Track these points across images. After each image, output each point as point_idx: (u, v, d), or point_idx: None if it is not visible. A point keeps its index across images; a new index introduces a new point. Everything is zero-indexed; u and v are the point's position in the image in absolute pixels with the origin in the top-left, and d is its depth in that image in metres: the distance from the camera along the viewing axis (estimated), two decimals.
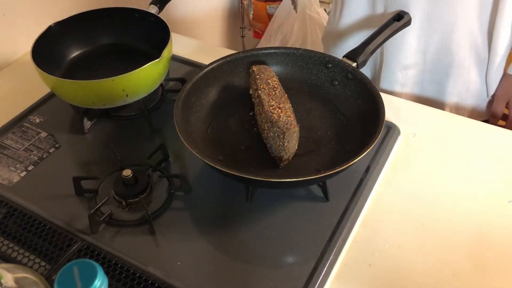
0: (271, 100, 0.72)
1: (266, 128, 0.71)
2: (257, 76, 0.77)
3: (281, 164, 0.70)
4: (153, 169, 0.76)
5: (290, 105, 0.73)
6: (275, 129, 0.68)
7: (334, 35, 1.05)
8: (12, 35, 1.02)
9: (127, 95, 0.79)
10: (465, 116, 0.95)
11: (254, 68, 0.79)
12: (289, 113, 0.70)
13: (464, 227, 0.69)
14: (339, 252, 0.65)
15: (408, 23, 0.88)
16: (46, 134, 0.84)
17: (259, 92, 0.74)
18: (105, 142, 0.83)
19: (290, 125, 0.67)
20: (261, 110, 0.73)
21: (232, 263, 0.65)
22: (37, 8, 1.04)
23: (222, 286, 0.62)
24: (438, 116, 0.87)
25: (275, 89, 0.75)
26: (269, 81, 0.76)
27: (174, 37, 0.85)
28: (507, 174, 0.75)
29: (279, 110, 0.70)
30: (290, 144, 0.69)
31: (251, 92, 0.80)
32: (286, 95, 0.75)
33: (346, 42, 1.03)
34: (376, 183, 0.74)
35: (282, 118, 0.69)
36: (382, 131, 0.68)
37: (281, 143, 0.68)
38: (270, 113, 0.70)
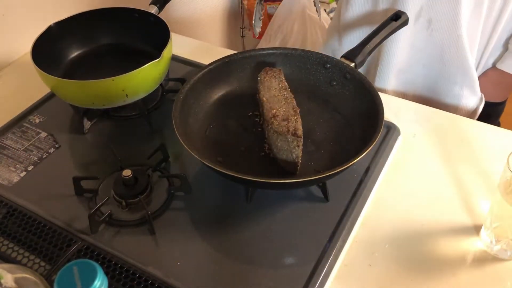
0: (272, 108, 0.72)
1: (274, 138, 0.70)
2: (260, 83, 0.77)
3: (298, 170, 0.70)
4: (153, 169, 0.76)
5: (294, 105, 0.73)
6: (288, 138, 0.67)
7: (339, 29, 1.05)
8: (12, 35, 1.02)
9: (127, 95, 0.79)
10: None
11: (260, 75, 0.79)
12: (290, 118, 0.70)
13: (464, 227, 0.69)
14: (339, 252, 0.65)
15: (405, 23, 0.88)
16: (46, 134, 0.84)
17: (261, 97, 0.75)
18: (105, 142, 0.83)
19: (297, 130, 0.67)
20: (264, 118, 0.74)
21: (232, 263, 0.65)
22: (37, 8, 1.04)
23: (222, 286, 0.62)
24: (438, 116, 0.87)
25: (277, 94, 0.75)
26: (273, 85, 0.76)
27: (174, 37, 0.85)
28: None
29: (280, 118, 0.70)
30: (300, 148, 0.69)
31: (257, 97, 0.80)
32: (292, 95, 0.75)
33: (349, 37, 1.03)
34: (376, 183, 0.74)
35: (289, 126, 0.68)
36: (382, 131, 0.68)
37: (295, 153, 0.68)
38: (271, 123, 0.69)
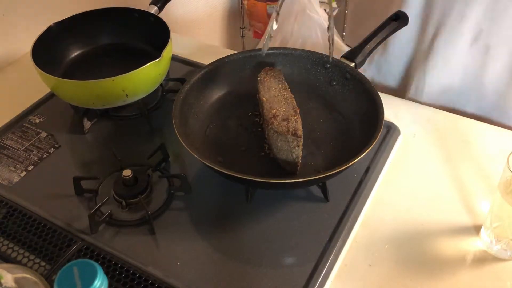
0: (271, 108, 0.72)
1: (274, 138, 0.70)
2: (260, 83, 0.77)
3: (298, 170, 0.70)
4: (153, 169, 0.76)
5: (294, 105, 0.73)
6: (289, 138, 0.67)
7: None
8: (12, 35, 1.02)
9: (127, 95, 0.79)
10: None
11: (260, 75, 0.79)
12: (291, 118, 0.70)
13: (464, 227, 0.69)
14: (339, 252, 0.65)
15: (405, 22, 0.87)
16: (46, 134, 0.84)
17: (261, 97, 0.75)
18: (105, 142, 0.83)
19: (297, 130, 0.67)
20: (263, 118, 0.74)
21: (232, 263, 0.65)
22: (37, 8, 1.04)
23: (222, 286, 0.62)
24: (438, 116, 0.87)
25: (277, 94, 0.75)
26: (273, 85, 0.76)
27: (174, 37, 0.85)
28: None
29: (280, 118, 0.70)
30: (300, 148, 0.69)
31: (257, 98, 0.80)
32: (292, 95, 0.75)
33: None
34: (376, 183, 0.74)
35: (289, 126, 0.68)
36: (382, 131, 0.68)
37: (295, 153, 0.68)
38: (271, 123, 0.69)
